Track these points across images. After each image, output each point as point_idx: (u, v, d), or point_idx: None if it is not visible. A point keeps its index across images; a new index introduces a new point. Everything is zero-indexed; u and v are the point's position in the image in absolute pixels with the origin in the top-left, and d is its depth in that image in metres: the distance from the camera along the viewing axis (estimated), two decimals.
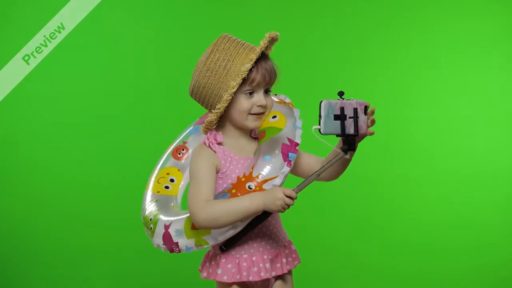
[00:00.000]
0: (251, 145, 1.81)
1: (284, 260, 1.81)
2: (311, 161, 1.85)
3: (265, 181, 1.70)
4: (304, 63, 3.24)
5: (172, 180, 1.95)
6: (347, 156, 1.67)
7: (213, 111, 1.73)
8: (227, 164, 1.76)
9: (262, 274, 1.75)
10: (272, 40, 1.79)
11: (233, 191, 1.70)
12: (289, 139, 1.77)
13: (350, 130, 1.64)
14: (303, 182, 1.69)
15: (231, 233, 1.72)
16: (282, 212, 1.66)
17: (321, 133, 1.61)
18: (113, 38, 3.28)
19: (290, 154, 1.75)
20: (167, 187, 1.93)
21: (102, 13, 3.25)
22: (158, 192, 1.92)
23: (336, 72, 3.24)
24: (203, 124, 1.77)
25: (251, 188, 1.69)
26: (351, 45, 3.23)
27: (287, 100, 1.92)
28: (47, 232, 3.23)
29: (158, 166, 1.99)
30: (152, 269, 3.12)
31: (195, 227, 1.74)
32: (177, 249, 1.77)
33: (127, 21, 3.31)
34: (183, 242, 1.76)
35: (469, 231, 3.10)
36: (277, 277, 1.84)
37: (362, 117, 1.67)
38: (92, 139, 3.26)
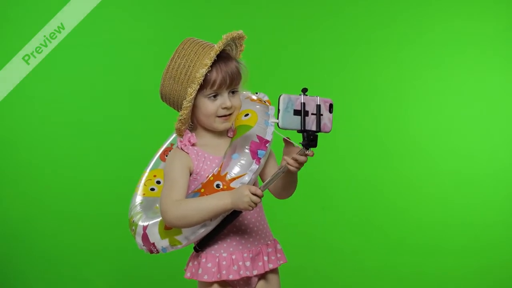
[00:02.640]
0: (226, 144, 1.81)
1: (265, 258, 1.80)
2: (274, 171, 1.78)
3: (233, 179, 1.71)
4: (304, 63, 3.24)
5: (158, 182, 1.98)
6: (308, 152, 1.63)
7: (178, 118, 1.74)
8: (201, 164, 1.75)
9: (241, 272, 1.74)
10: (239, 39, 1.79)
11: (202, 190, 1.71)
12: (258, 137, 1.76)
13: (312, 126, 1.61)
14: (268, 180, 1.67)
15: (202, 232, 1.73)
16: (250, 210, 1.65)
17: (279, 127, 1.59)
18: (113, 38, 3.28)
19: (259, 151, 1.74)
20: (152, 189, 1.96)
21: (102, 13, 3.25)
22: (144, 194, 1.96)
23: (336, 72, 3.24)
24: (175, 131, 1.78)
25: (219, 187, 1.70)
26: (350, 45, 3.23)
27: (265, 98, 1.90)
28: (46, 232, 3.23)
29: (148, 169, 2.02)
30: (151, 269, 3.12)
31: (167, 227, 1.76)
32: (155, 249, 1.80)
33: (127, 21, 3.31)
34: (159, 242, 1.78)
35: (469, 231, 3.09)
36: (261, 277, 1.83)
37: (326, 115, 1.64)
38: (92, 139, 3.26)
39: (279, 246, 1.85)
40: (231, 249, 1.76)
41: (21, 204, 3.25)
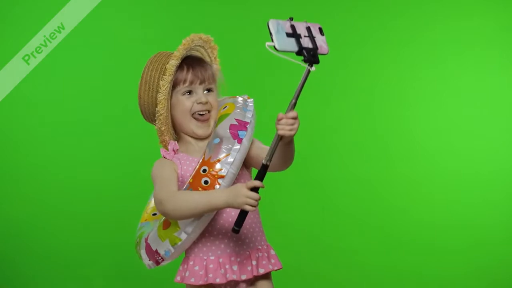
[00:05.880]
0: None
1: (254, 263, 1.76)
2: (261, 153, 1.75)
3: (218, 161, 1.70)
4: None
5: None
6: (313, 69, 1.59)
7: (157, 116, 1.78)
8: (184, 167, 1.77)
9: (228, 276, 1.72)
10: (211, 49, 1.85)
11: (191, 180, 1.71)
12: (237, 120, 1.77)
13: (309, 45, 1.58)
14: (270, 149, 1.60)
15: (197, 222, 1.71)
16: (249, 210, 1.59)
17: (276, 49, 1.55)
18: (113, 38, 3.29)
19: (239, 132, 1.75)
20: (154, 214, 1.95)
21: (102, 13, 3.25)
22: (146, 220, 1.95)
23: (336, 72, 3.23)
24: (160, 141, 1.82)
25: (205, 171, 1.70)
26: (351, 45, 3.23)
27: (245, 97, 1.92)
28: (46, 231, 3.24)
29: (149, 201, 2.01)
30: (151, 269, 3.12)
31: (165, 226, 1.76)
32: (160, 257, 1.78)
33: (127, 21, 3.31)
34: (161, 247, 1.77)
35: (469, 231, 3.09)
36: (250, 284, 1.80)
37: (319, 37, 1.60)
38: (92, 139, 3.26)
39: (272, 252, 1.82)
40: (219, 252, 1.75)
41: (21, 203, 3.25)
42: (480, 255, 3.06)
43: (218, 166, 1.70)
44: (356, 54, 3.24)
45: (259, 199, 1.60)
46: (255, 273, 1.76)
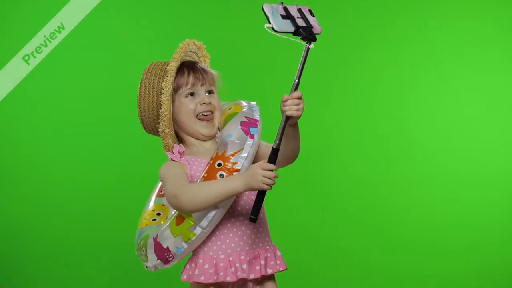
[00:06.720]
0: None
1: (262, 263, 1.77)
2: (268, 150, 1.72)
3: (232, 154, 1.72)
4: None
5: (158, 214, 1.97)
6: (312, 46, 1.66)
7: (160, 123, 1.78)
8: (194, 167, 1.78)
9: (238, 274, 1.73)
10: (203, 57, 1.89)
11: (205, 175, 1.72)
12: (247, 117, 1.80)
13: (303, 24, 1.66)
14: (278, 133, 1.62)
15: (213, 215, 1.71)
16: (267, 189, 1.61)
17: (275, 30, 1.61)
18: (113, 38, 3.29)
19: (250, 128, 1.77)
20: (154, 220, 1.95)
21: (102, 13, 3.26)
22: (146, 225, 1.94)
23: (336, 72, 3.24)
24: (164, 146, 1.83)
25: (220, 165, 1.71)
26: (351, 45, 3.23)
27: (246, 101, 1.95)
28: (46, 231, 3.24)
29: (145, 208, 2.01)
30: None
31: (179, 222, 1.75)
32: (170, 255, 1.78)
33: (127, 21, 3.31)
34: (172, 243, 1.76)
35: (469, 231, 3.09)
36: (257, 284, 1.81)
37: (310, 18, 1.68)
38: (92, 139, 3.26)
39: (278, 253, 1.83)
40: (229, 250, 1.75)
41: (21, 203, 3.25)
42: (480, 255, 3.06)
43: (233, 159, 1.71)
44: (356, 54, 3.24)
45: (276, 176, 1.61)
46: (263, 273, 1.77)
